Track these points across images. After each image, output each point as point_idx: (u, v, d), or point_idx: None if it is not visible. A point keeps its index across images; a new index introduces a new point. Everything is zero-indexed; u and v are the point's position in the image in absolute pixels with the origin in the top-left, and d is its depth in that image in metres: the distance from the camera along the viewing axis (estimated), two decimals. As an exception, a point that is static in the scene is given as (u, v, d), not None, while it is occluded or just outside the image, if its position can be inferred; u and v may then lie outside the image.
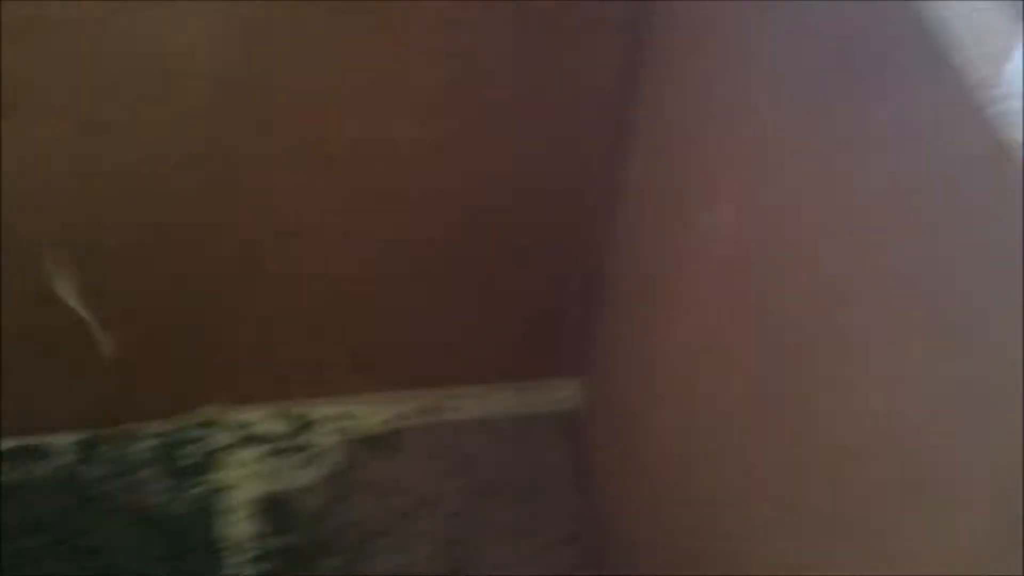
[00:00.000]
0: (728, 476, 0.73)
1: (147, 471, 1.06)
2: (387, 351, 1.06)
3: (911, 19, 0.45)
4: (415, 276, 0.98)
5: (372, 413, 1.10)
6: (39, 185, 0.83)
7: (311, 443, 1.08)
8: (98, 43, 0.75)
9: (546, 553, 1.01)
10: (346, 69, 0.80)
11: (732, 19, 0.67)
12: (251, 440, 1.08)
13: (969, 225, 0.43)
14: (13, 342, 0.97)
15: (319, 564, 1.00)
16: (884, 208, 0.50)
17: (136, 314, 0.97)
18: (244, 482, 1.05)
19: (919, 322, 0.47)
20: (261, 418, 1.09)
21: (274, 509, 1.04)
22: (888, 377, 0.51)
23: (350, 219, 0.91)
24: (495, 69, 0.82)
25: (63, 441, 1.08)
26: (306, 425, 1.09)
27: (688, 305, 0.79)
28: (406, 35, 0.78)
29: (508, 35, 0.79)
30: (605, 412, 1.05)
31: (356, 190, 0.88)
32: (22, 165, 0.81)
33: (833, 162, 0.55)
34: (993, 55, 0.42)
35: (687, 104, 0.76)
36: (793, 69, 0.59)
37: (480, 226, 0.93)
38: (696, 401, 0.79)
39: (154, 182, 0.85)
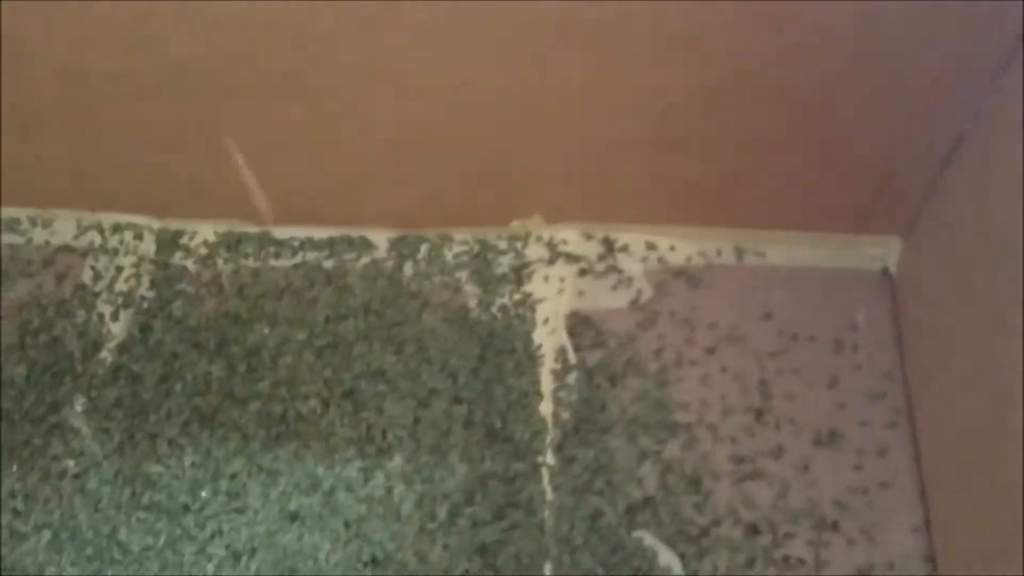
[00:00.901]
0: None
1: (462, 274, 1.09)
2: (705, 186, 1.04)
3: None
4: (749, 112, 0.95)
5: (681, 246, 1.09)
6: None
7: (620, 267, 1.08)
8: None
9: (853, 405, 1.00)
10: None
11: None
12: (561, 257, 1.09)
13: None
14: (364, 140, 1.01)
15: (624, 383, 1.02)
16: None
17: (464, 136, 0.99)
18: (554, 297, 1.07)
19: None
20: (572, 238, 1.10)
21: (582, 326, 1.05)
22: None
23: (699, 43, 0.88)
24: None
25: (383, 236, 1.12)
26: (616, 250, 1.09)
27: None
28: None
29: None
30: (924, 275, 1.02)
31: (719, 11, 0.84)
32: None
33: None
34: None
35: None
36: None
37: (856, 70, 0.88)
38: None
39: None
